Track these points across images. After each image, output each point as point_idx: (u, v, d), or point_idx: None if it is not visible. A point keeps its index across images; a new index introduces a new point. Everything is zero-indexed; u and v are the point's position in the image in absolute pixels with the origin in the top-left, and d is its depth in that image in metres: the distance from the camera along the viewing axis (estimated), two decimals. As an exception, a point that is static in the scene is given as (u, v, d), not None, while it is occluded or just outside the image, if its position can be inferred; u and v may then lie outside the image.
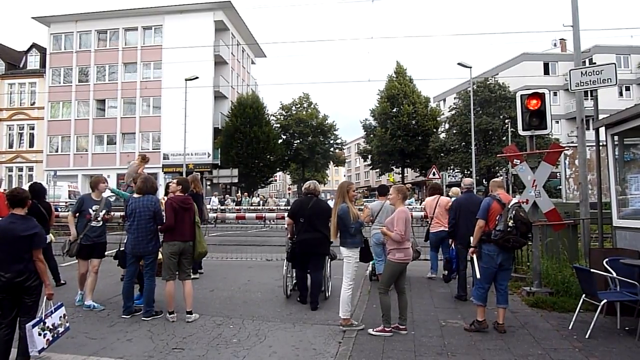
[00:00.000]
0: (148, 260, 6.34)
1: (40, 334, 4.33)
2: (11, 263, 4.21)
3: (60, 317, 4.70)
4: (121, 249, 6.75)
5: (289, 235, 7.32)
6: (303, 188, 7.40)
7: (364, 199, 37.28)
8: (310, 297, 6.84)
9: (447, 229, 7.97)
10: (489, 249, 5.64)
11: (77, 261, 7.00)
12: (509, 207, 5.63)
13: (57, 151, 40.77)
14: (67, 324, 4.84)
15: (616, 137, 7.20)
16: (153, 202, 6.38)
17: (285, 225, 7.49)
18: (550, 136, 29.13)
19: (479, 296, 5.73)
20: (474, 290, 5.88)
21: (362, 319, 6.12)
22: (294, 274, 7.53)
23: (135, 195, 6.54)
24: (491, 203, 5.80)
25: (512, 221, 5.49)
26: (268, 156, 39.21)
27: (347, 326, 5.76)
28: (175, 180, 7.02)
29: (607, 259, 6.05)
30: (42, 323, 4.40)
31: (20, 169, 41.12)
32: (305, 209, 6.80)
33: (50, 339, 4.49)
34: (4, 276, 4.18)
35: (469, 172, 36.20)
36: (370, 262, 8.03)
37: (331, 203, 6.92)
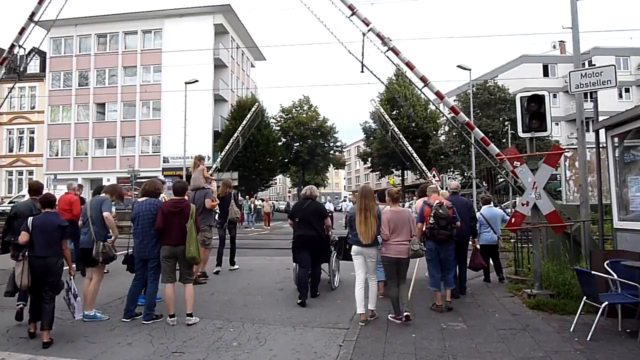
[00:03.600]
0: (152, 264, 6.35)
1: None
2: (46, 247, 5.45)
3: None
4: (129, 253, 6.77)
5: None
6: (301, 193, 8.29)
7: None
8: (311, 288, 7.53)
9: None
10: (429, 245, 6.76)
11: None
12: (433, 207, 6.74)
13: (57, 155, 40.75)
14: None
15: (616, 139, 7.20)
16: (155, 205, 6.43)
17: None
18: (550, 138, 29.14)
19: (433, 283, 6.88)
20: (429, 280, 7.04)
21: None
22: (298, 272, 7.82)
23: (139, 199, 6.63)
24: (424, 207, 6.97)
25: (432, 218, 6.68)
26: (268, 159, 39.14)
27: (365, 321, 6.08)
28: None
29: (608, 261, 6.03)
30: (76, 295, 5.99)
31: (20, 173, 41.08)
32: (300, 210, 7.63)
33: None
34: (39, 257, 5.40)
35: (469, 175, 36.15)
36: None
37: (329, 206, 7.31)
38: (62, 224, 5.65)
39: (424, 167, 28.07)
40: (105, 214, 6.41)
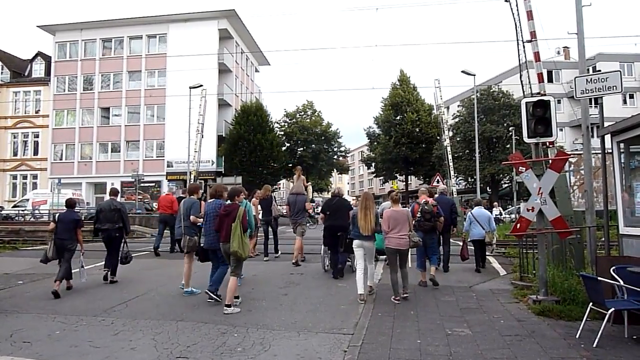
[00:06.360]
0: (220, 253, 7.38)
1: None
2: (66, 233, 8.25)
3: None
4: (201, 245, 7.88)
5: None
6: (331, 192, 10.92)
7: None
8: (338, 270, 9.40)
9: None
10: (418, 235, 8.01)
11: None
12: (421, 204, 8.77)
13: (61, 159, 40.93)
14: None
15: (622, 145, 7.16)
16: (219, 205, 7.61)
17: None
18: (555, 143, 28.95)
19: (419, 264, 8.88)
20: (417, 262, 8.94)
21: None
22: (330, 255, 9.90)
23: (209, 200, 7.98)
24: (414, 206, 9.12)
25: (419, 213, 8.65)
26: (272, 163, 39.17)
27: (364, 300, 7.45)
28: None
29: (614, 267, 5.99)
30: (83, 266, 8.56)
31: (25, 177, 41.27)
32: (330, 205, 9.78)
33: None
34: (60, 239, 8.19)
35: (473, 180, 36.09)
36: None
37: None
38: (77, 218, 8.57)
39: (451, 164, 27.06)
40: (192, 218, 8.09)
